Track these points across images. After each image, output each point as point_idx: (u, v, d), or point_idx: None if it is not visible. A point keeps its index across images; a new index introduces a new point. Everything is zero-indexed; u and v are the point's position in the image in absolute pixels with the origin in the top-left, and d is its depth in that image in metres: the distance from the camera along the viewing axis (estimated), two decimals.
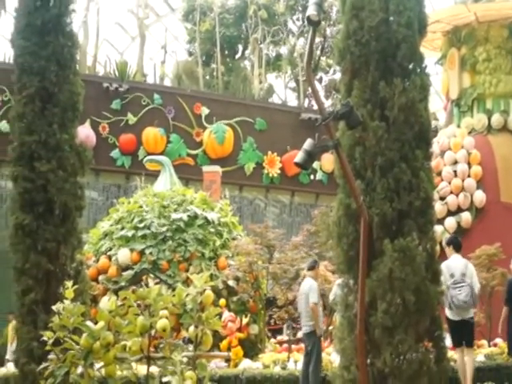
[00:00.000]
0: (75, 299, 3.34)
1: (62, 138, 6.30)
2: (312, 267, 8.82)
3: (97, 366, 3.02)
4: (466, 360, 7.18)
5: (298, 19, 30.28)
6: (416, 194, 4.28)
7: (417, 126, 4.42)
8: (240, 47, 31.30)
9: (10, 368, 9.97)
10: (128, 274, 11.65)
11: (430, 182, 4.39)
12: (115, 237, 12.23)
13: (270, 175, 21.64)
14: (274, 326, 13.08)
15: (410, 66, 4.65)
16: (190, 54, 30.40)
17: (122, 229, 12.28)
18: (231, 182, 19.72)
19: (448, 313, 7.07)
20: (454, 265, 7.28)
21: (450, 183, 13.25)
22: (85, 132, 16.91)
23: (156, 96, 20.68)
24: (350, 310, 4.24)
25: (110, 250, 12.16)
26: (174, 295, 3.01)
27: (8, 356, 11.29)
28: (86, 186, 6.76)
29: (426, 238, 4.31)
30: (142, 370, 3.01)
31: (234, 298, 11.58)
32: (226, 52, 30.21)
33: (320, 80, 29.61)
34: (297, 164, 4.05)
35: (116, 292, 10.67)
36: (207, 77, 28.30)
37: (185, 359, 2.89)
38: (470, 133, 13.87)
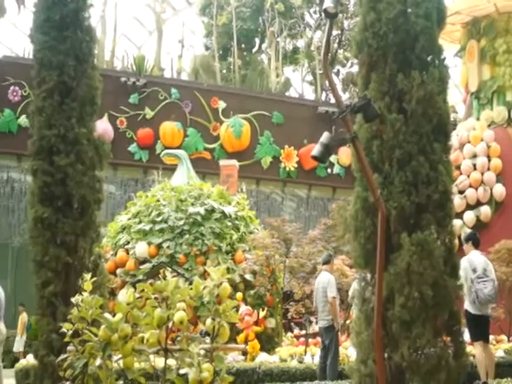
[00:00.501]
0: (93, 292, 3.36)
1: (80, 132, 6.32)
2: (327, 261, 8.77)
3: (115, 357, 3.04)
4: (486, 355, 7.14)
5: (314, 12, 30.17)
6: (434, 187, 4.22)
7: (435, 119, 4.36)
8: (257, 41, 31.26)
9: (29, 360, 10.11)
10: (145, 267, 11.74)
11: (448, 175, 4.33)
12: (133, 230, 12.33)
13: (287, 169, 21.63)
14: (297, 319, 13.08)
15: (429, 59, 4.58)
16: (207, 48, 30.45)
17: (140, 222, 12.37)
18: (248, 176, 19.76)
19: (470, 307, 7.03)
20: (475, 260, 7.25)
21: (469, 176, 13.13)
22: (103, 126, 17.04)
23: (173, 90, 20.75)
24: (367, 304, 4.22)
25: (128, 243, 12.26)
26: (191, 288, 3.01)
27: (15, 348, 11.13)
28: (104, 180, 6.79)
29: (444, 231, 4.26)
30: (159, 363, 3.03)
31: (251, 292, 11.62)
32: (243, 46, 30.20)
33: (337, 73, 29.49)
34: (314, 157, 4.03)
35: (134, 285, 10.75)
36: (224, 71, 28.34)
37: (202, 352, 2.90)
38: (489, 125, 13.72)
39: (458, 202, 12.26)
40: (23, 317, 14.88)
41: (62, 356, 3.24)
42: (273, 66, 25.98)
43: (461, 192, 12.95)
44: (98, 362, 3.06)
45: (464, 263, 7.01)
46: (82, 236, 6.25)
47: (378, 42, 4.55)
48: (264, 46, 30.57)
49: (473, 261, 7.20)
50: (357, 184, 4.46)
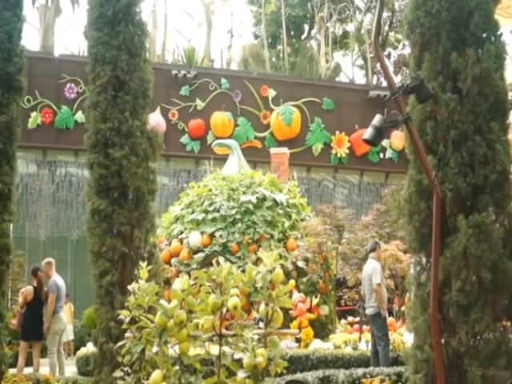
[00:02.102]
0: (149, 280, 3.40)
1: (133, 125, 6.41)
2: (373, 249, 8.77)
3: (171, 343, 3.09)
4: None
5: None
6: (492, 167, 4.09)
7: (492, 97, 4.21)
8: (306, 27, 31.02)
9: (89, 348, 10.44)
10: (199, 256, 11.88)
11: (507, 154, 4.18)
12: (186, 220, 12.49)
13: (338, 155, 21.41)
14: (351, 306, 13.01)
15: (484, 35, 4.42)
16: (256, 36, 30.45)
17: (193, 212, 12.52)
18: (299, 163, 19.69)
19: None
20: None
21: None
22: (155, 119, 17.30)
23: (223, 80, 20.85)
24: (423, 289, 4.14)
25: (182, 233, 12.43)
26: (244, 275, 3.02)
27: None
28: (158, 172, 6.87)
29: (503, 213, 4.12)
30: (213, 350, 3.06)
31: (304, 279, 11.60)
32: (292, 33, 30.03)
33: (389, 56, 28.93)
34: (366, 140, 3.97)
35: (188, 274, 10.90)
36: (273, 59, 28.25)
37: (256, 337, 2.91)
38: None
39: None
40: (70, 306, 15.54)
41: (121, 342, 3.31)
42: (322, 52, 25.69)
43: None
44: (155, 348, 3.12)
45: None
46: (138, 226, 6.34)
47: (431, 21, 4.44)
48: (313, 31, 30.28)
49: None
50: (410, 167, 4.37)
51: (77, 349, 13.68)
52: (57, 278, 9.70)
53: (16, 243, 7.69)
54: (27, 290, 9.77)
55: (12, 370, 8.00)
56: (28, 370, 9.03)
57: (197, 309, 3.04)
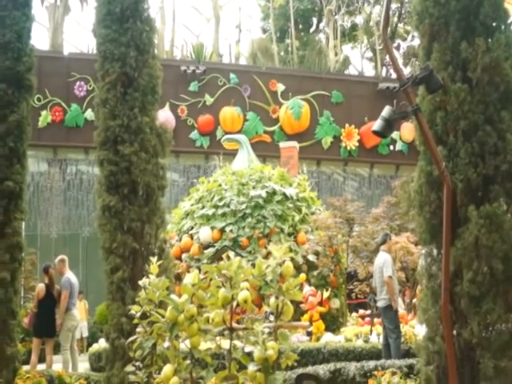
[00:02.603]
0: (160, 275, 3.42)
1: (143, 121, 6.41)
2: (384, 241, 8.75)
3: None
4: None
5: None
6: (503, 157, 4.06)
7: (502, 87, 4.18)
8: (314, 20, 30.89)
9: (101, 344, 10.48)
10: (209, 251, 11.90)
11: None
12: (196, 216, 12.51)
13: (348, 148, 21.34)
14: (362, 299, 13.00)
15: (494, 24, 4.38)
16: (264, 31, 30.38)
17: (203, 208, 12.54)
18: (309, 157, 19.65)
19: None
20: None
21: None
22: (164, 115, 17.33)
23: (232, 75, 20.83)
24: (434, 280, 4.13)
25: (192, 228, 12.46)
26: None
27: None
28: (168, 168, 6.87)
29: None
30: (224, 344, 3.06)
31: (315, 273, 11.58)
32: (301, 26, 29.92)
33: (398, 47, 28.78)
34: (375, 132, 3.95)
35: (198, 269, 10.95)
36: (282, 53, 28.18)
37: (266, 330, 2.91)
38: None
39: None
40: (85, 303, 15.64)
41: (132, 338, 3.32)
42: (331, 45, 25.58)
43: None
44: (166, 342, 3.13)
45: None
46: (148, 222, 6.35)
47: (440, 11, 4.41)
48: (322, 25, 30.17)
49: None
50: (420, 158, 4.35)
51: (89, 345, 13.76)
52: (70, 275, 9.75)
53: (28, 241, 7.73)
54: (39, 287, 9.83)
55: (25, 367, 8.06)
56: (41, 367, 9.09)
57: (207, 303, 3.05)
